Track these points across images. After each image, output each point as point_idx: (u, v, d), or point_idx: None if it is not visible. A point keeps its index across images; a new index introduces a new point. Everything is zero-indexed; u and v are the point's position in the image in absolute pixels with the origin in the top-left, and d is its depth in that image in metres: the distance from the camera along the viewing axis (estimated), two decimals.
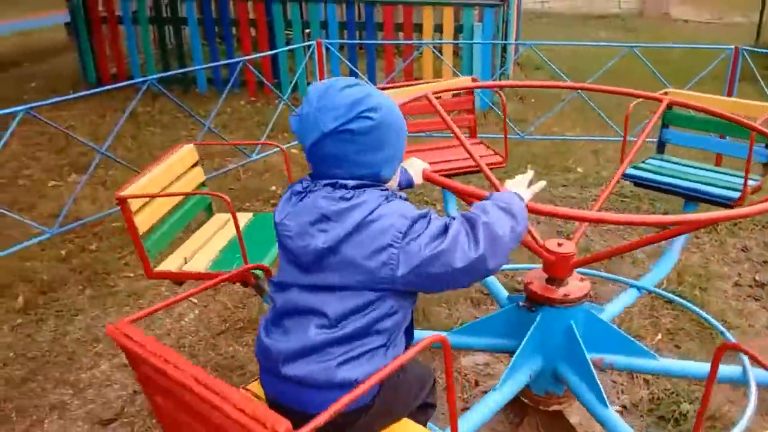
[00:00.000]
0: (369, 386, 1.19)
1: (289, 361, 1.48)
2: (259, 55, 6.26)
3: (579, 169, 5.09)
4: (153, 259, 2.50)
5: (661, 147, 3.51)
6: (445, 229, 1.44)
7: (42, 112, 4.16)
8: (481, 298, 3.42)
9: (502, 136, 3.63)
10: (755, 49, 5.06)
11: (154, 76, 4.76)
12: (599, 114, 5.67)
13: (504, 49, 7.28)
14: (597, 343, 2.33)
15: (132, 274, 3.62)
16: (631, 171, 3.23)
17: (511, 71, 7.61)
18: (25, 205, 4.51)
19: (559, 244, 2.33)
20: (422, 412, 1.76)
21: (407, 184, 1.95)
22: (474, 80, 3.70)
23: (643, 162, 3.39)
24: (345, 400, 1.13)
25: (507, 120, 4.37)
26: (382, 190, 1.49)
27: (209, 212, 2.99)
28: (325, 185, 1.48)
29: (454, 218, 1.48)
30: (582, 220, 2.44)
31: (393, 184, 1.61)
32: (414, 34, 6.89)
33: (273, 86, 6.95)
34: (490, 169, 3.39)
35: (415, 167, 1.99)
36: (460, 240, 1.42)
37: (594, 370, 2.20)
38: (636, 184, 3.28)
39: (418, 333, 1.90)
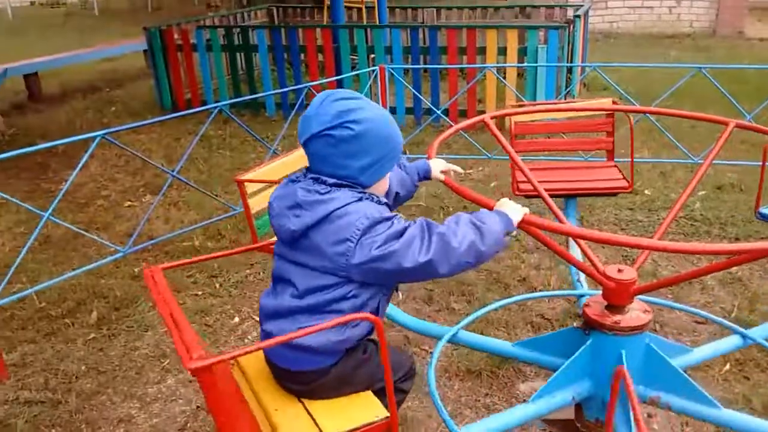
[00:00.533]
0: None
1: (269, 319, 1.79)
2: (324, 81, 6.42)
3: (647, 192, 4.97)
4: (260, 237, 2.75)
5: None
6: (402, 233, 1.64)
7: (120, 135, 4.39)
8: (542, 323, 3.39)
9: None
10: None
11: (225, 103, 4.95)
12: (667, 136, 5.54)
13: (570, 70, 7.21)
14: (655, 379, 2.23)
15: (200, 292, 3.75)
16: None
17: (577, 92, 7.52)
18: (102, 225, 4.74)
19: (620, 270, 2.29)
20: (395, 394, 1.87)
21: (424, 175, 2.19)
22: (615, 103, 3.72)
23: None
24: None
25: None
26: (357, 192, 1.71)
27: None
28: (310, 178, 1.74)
29: (414, 222, 1.69)
30: (635, 247, 2.39)
31: (380, 189, 1.82)
32: (478, 57, 6.91)
33: None
34: (615, 193, 3.50)
35: (437, 163, 2.23)
36: (412, 244, 1.63)
37: (637, 406, 2.13)
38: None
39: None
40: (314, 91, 6.39)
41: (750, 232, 4.23)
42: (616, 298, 2.26)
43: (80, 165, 4.00)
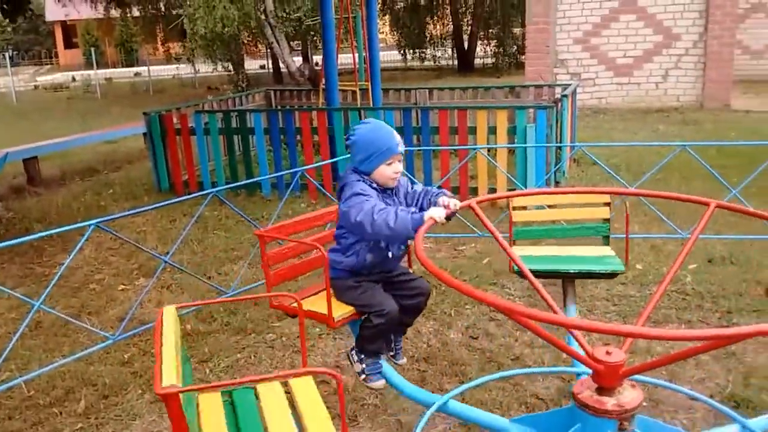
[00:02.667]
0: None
1: None
2: (318, 164, 6.56)
3: (638, 266, 4.98)
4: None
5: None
6: (362, 204, 2.69)
7: (115, 219, 4.43)
8: (536, 403, 3.34)
9: None
10: None
11: (219, 189, 5.06)
12: (656, 212, 5.61)
13: (559, 147, 7.36)
14: None
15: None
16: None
17: (566, 168, 7.65)
18: (94, 309, 4.73)
19: (608, 353, 2.28)
20: (364, 327, 2.89)
21: (421, 213, 2.68)
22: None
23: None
24: None
25: None
26: (360, 175, 2.83)
27: None
28: None
29: (376, 204, 2.70)
30: (612, 333, 2.39)
31: (380, 177, 2.83)
32: (470, 136, 7.07)
33: (334, 188, 7.23)
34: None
35: (433, 209, 2.68)
36: (360, 211, 2.67)
37: None
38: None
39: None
40: (308, 176, 6.56)
41: (742, 305, 4.22)
42: (605, 380, 2.25)
43: (73, 253, 4.03)
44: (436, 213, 2.61)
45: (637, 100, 13.90)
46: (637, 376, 3.16)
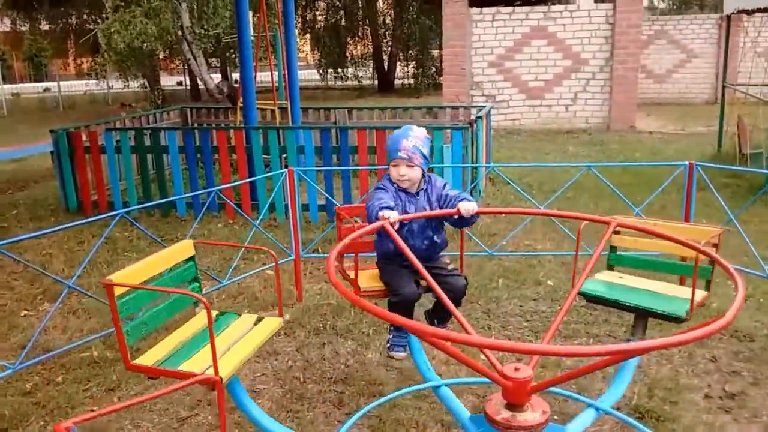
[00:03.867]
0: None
1: None
2: (234, 183, 6.47)
3: (549, 282, 5.15)
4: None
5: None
6: (372, 194, 3.14)
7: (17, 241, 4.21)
8: (453, 422, 3.38)
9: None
10: (708, 165, 5.30)
11: (128, 209, 4.89)
12: (564, 230, 5.83)
13: (475, 167, 7.55)
14: None
15: (96, 408, 3.55)
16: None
17: (482, 186, 7.85)
18: None
19: (516, 369, 2.34)
20: (388, 303, 3.22)
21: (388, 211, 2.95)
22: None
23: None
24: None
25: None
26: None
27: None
28: None
29: (381, 197, 3.07)
30: (511, 351, 2.48)
31: (393, 174, 3.18)
32: None
33: (252, 207, 7.15)
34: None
35: (388, 211, 2.89)
36: (370, 201, 3.05)
37: None
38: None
39: None
40: (222, 195, 6.43)
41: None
42: (514, 396, 2.31)
43: None
44: (389, 214, 2.84)
45: (549, 122, 14.47)
46: (553, 389, 3.29)
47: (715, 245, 3.20)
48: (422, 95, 23.04)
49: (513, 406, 2.33)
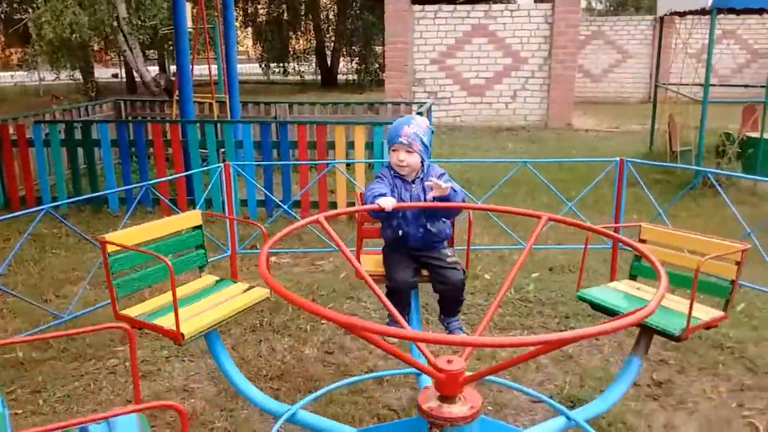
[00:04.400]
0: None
1: None
2: (168, 178, 6.31)
3: (486, 276, 5.22)
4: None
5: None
6: (371, 183, 3.13)
7: None
8: (388, 414, 3.38)
9: None
10: (638, 161, 5.47)
11: (55, 204, 4.70)
12: (501, 225, 5.93)
13: None
14: None
15: (20, 411, 3.40)
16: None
17: None
18: None
19: (449, 361, 2.35)
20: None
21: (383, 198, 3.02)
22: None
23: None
24: None
25: None
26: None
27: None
28: None
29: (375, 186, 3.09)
30: (442, 343, 2.50)
31: (392, 163, 3.16)
32: (331, 151, 7.11)
33: (189, 203, 6.98)
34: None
35: (383, 198, 2.99)
36: (366, 189, 3.09)
37: None
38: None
39: None
40: (155, 190, 6.26)
41: (578, 311, 4.54)
42: (446, 388, 2.32)
43: None
44: (384, 202, 2.94)
45: (489, 119, 14.67)
46: (491, 377, 3.33)
47: (738, 263, 2.85)
48: (365, 91, 23.02)
49: (445, 397, 2.34)
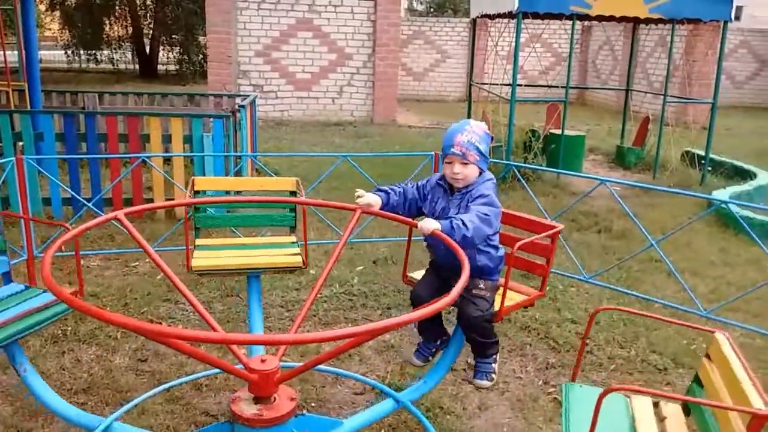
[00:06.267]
0: None
1: None
2: None
3: (312, 272, 5.18)
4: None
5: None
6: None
7: None
8: (207, 420, 3.23)
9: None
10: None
11: None
12: (324, 220, 5.94)
13: (239, 156, 7.37)
14: None
15: None
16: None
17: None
18: None
19: (263, 361, 2.28)
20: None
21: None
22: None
23: None
24: None
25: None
26: None
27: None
28: None
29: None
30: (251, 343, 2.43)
31: (444, 171, 2.89)
32: (146, 145, 6.67)
33: None
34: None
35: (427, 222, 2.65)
36: None
37: None
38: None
39: None
40: None
41: (399, 301, 4.65)
42: (260, 389, 2.24)
43: None
44: (367, 197, 2.93)
45: (317, 114, 14.69)
46: (321, 367, 3.30)
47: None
48: (189, 83, 22.11)
49: (261, 399, 2.26)
